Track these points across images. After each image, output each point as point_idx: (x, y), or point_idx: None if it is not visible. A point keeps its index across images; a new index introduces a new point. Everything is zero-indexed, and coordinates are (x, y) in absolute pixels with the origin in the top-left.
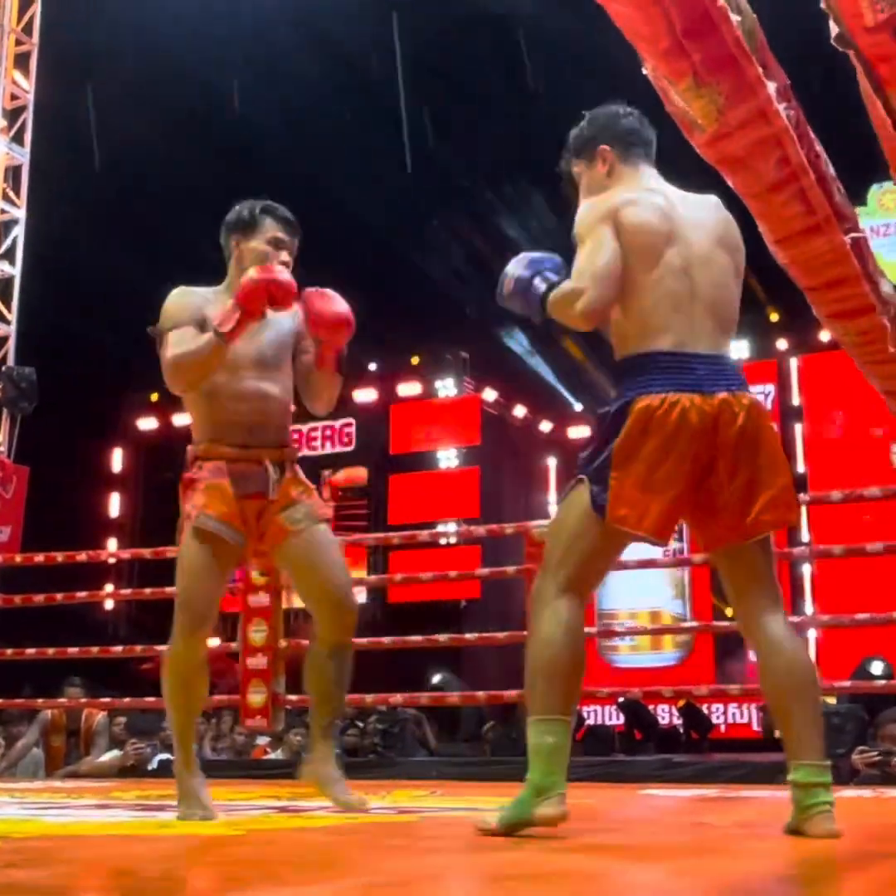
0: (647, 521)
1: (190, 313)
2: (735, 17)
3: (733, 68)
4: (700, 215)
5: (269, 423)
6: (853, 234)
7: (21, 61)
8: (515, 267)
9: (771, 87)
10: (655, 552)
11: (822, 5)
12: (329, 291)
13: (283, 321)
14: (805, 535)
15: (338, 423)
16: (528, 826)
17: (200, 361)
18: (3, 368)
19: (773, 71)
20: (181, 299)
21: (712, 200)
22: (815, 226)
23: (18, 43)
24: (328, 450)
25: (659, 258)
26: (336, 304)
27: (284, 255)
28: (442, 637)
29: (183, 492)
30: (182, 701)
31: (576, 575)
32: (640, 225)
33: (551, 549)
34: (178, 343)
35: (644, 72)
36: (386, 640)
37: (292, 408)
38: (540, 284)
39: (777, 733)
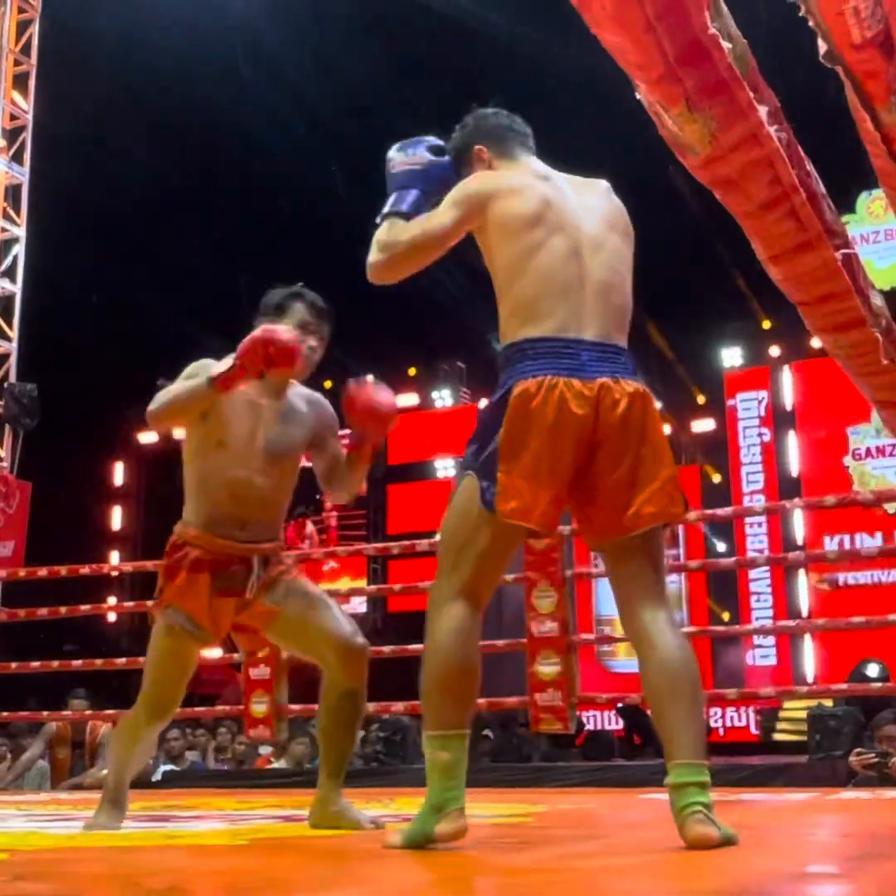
0: (536, 513)
1: (203, 372)
2: (726, 44)
3: (725, 93)
4: (591, 200)
5: (265, 518)
6: (844, 251)
7: (20, 81)
8: (408, 160)
9: (762, 110)
10: None
11: (811, 23)
12: (373, 381)
13: (307, 416)
14: (800, 539)
15: None
16: (430, 843)
17: (182, 401)
18: (5, 385)
19: (763, 94)
20: (197, 364)
21: (603, 185)
22: (806, 242)
23: (17, 63)
24: None
25: (541, 244)
26: (384, 394)
27: (312, 340)
28: None
29: (164, 571)
30: (126, 758)
31: (470, 577)
32: (519, 213)
33: (444, 552)
34: (171, 387)
35: (637, 96)
36: (386, 648)
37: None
38: (396, 202)
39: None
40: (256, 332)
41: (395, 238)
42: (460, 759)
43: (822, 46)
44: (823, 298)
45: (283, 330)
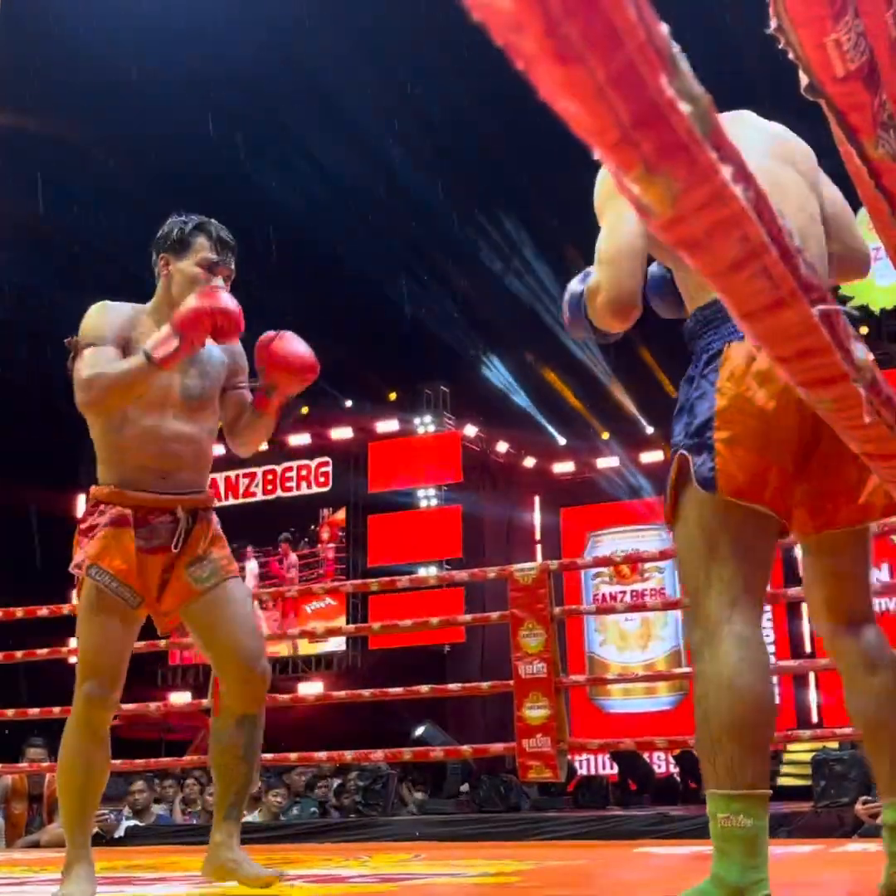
0: (768, 491)
1: (113, 332)
2: (685, 108)
3: (685, 155)
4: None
5: (187, 467)
6: (821, 306)
7: None
8: (573, 282)
9: (726, 171)
10: (644, 595)
11: (791, 56)
12: (290, 333)
13: (214, 353)
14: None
15: (314, 463)
16: None
17: (125, 385)
18: None
19: (727, 153)
20: (104, 315)
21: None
22: (779, 300)
23: None
24: (304, 490)
25: None
26: (302, 347)
27: (219, 280)
28: (424, 688)
29: (77, 539)
30: (81, 782)
31: (739, 581)
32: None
33: (690, 567)
34: (95, 362)
35: (595, 157)
36: (366, 692)
37: (213, 451)
38: (579, 289)
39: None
40: (198, 303)
41: (596, 279)
42: (765, 827)
43: (804, 79)
44: (802, 353)
45: (227, 298)
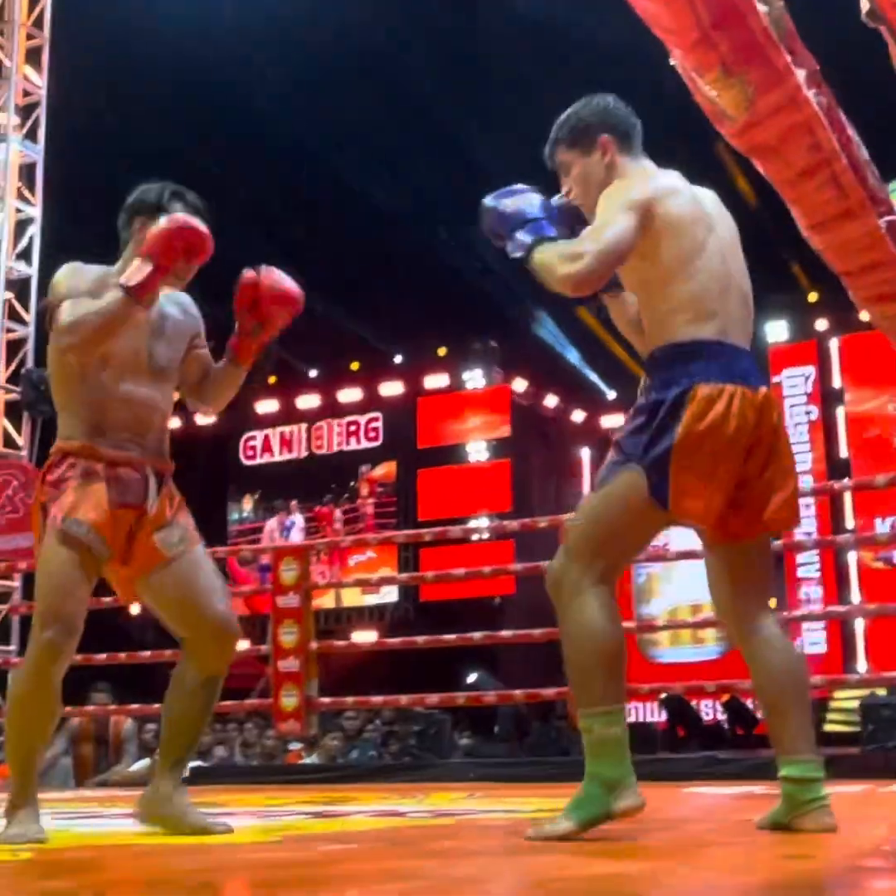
0: (712, 514)
1: (87, 286)
2: (762, 8)
3: (761, 57)
4: (718, 208)
5: (155, 431)
6: (888, 218)
7: (32, 56)
8: (518, 201)
9: (800, 74)
10: (694, 543)
11: None
12: (271, 267)
13: (184, 323)
14: (850, 522)
15: (364, 419)
16: (607, 820)
17: (107, 321)
18: (22, 371)
19: (801, 57)
20: (75, 274)
21: (716, 196)
22: (848, 210)
23: (29, 37)
24: (355, 446)
25: (703, 245)
26: (288, 279)
27: None
28: (476, 635)
29: (43, 489)
30: (36, 727)
31: (614, 563)
32: (685, 212)
33: (587, 537)
34: (74, 311)
35: (672, 63)
36: (419, 639)
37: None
38: (538, 229)
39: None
40: (166, 224)
41: (581, 248)
42: (626, 733)
43: (864, 5)
44: (868, 268)
45: (189, 217)
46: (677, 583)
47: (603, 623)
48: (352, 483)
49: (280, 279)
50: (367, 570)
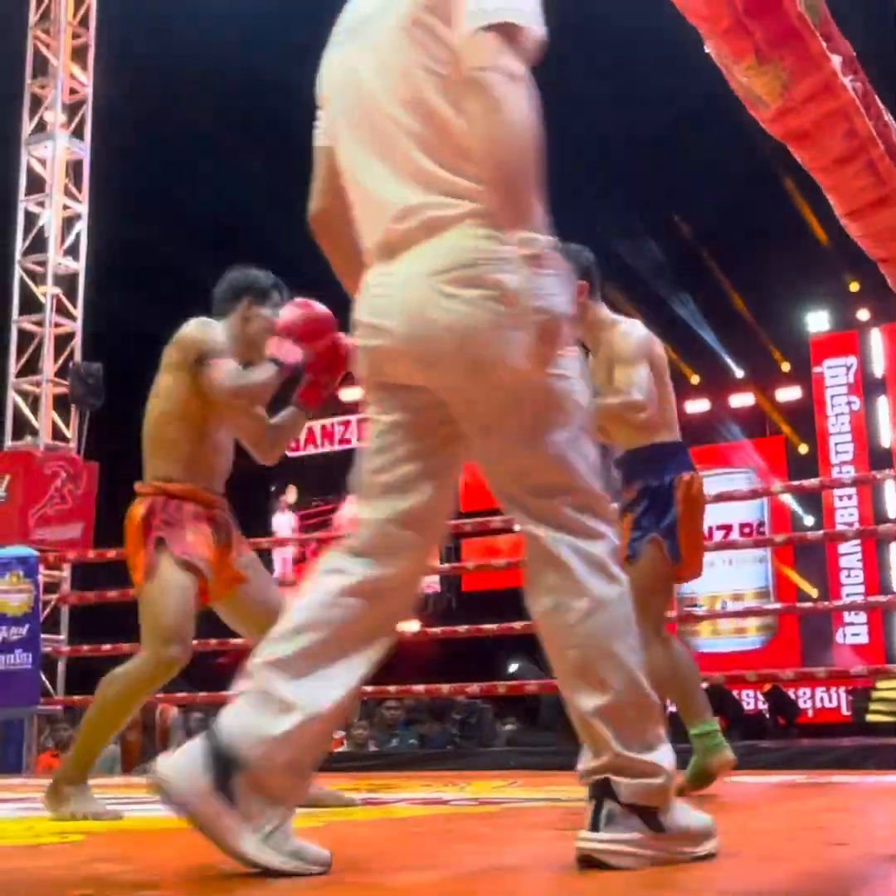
0: (695, 561)
1: (222, 346)
2: None
3: (796, 43)
4: None
5: (225, 473)
6: None
7: (78, 55)
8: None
9: (835, 60)
10: (734, 532)
11: None
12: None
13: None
14: (892, 512)
15: None
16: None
17: (267, 392)
18: (71, 365)
19: (837, 43)
20: (215, 329)
21: None
22: (885, 197)
23: (75, 36)
24: None
25: (660, 375)
26: (319, 308)
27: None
28: (517, 624)
29: (157, 525)
30: (121, 724)
31: (660, 616)
32: (662, 352)
33: (640, 605)
34: (233, 375)
35: (706, 50)
36: (461, 628)
37: None
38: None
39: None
40: (332, 343)
41: (642, 400)
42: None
43: None
44: None
45: (341, 335)
46: (720, 568)
47: (682, 662)
48: None
49: (315, 315)
50: None
